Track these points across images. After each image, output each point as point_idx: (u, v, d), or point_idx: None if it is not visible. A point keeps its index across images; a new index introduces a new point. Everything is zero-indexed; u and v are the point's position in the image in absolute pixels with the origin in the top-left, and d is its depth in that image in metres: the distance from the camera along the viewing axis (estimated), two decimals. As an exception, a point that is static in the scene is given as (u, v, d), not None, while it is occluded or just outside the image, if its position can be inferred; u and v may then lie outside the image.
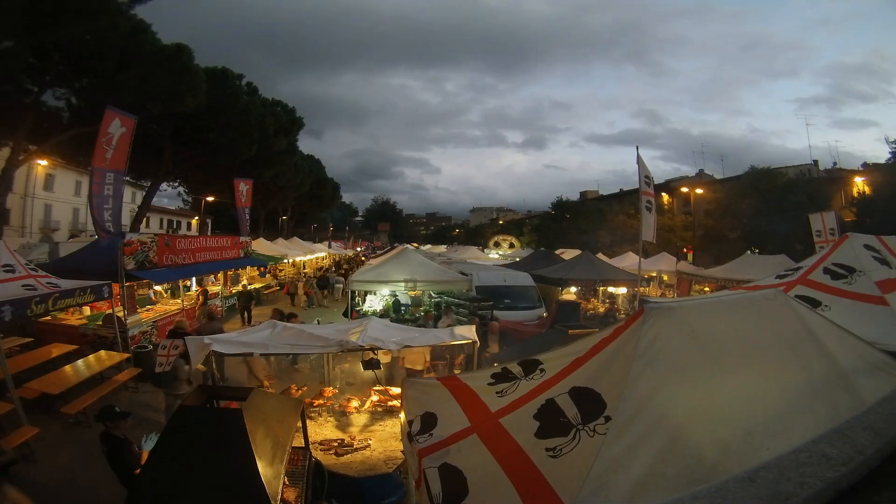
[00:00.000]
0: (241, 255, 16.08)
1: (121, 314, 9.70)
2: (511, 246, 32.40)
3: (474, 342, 6.10)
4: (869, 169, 20.30)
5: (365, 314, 11.65)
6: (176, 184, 28.94)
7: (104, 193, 10.12)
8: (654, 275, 18.28)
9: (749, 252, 21.77)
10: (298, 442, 4.13)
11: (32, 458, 5.66)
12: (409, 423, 2.53)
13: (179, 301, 13.03)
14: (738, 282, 11.28)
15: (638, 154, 9.47)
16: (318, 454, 5.00)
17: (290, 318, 8.42)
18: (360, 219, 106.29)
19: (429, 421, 2.41)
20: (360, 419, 6.18)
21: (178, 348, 6.44)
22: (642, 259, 14.47)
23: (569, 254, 20.49)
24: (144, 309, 11.93)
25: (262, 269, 20.78)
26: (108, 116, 10.10)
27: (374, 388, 6.74)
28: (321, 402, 6.46)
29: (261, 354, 6.56)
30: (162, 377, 7.19)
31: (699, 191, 25.78)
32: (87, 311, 10.61)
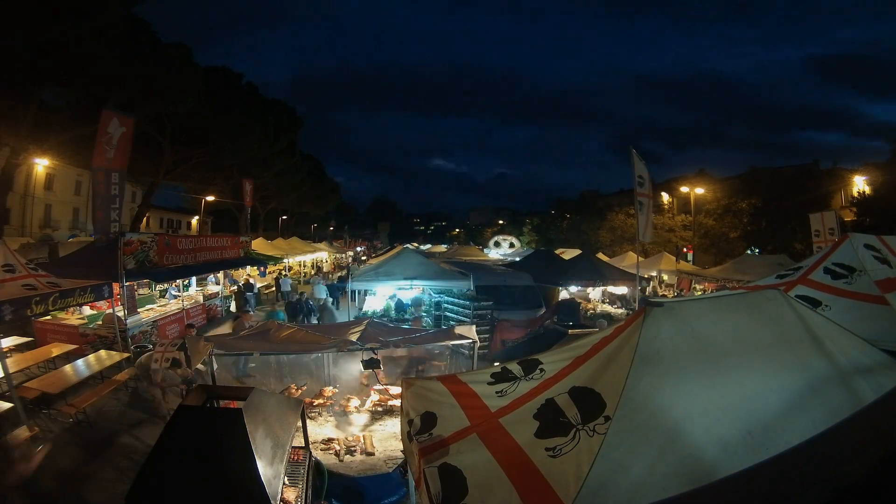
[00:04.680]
0: (241, 254, 16.09)
1: (121, 314, 9.70)
2: (511, 246, 32.38)
3: (474, 342, 6.10)
4: (869, 168, 20.27)
5: (365, 315, 11.66)
6: (176, 183, 28.94)
7: (111, 193, 10.12)
8: (653, 274, 18.27)
9: (749, 252, 21.78)
10: (298, 442, 4.13)
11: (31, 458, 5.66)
12: (409, 422, 2.53)
13: (179, 301, 13.04)
14: (739, 282, 11.29)
15: (632, 152, 9.46)
16: (318, 454, 5.00)
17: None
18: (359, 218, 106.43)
19: (428, 420, 2.41)
20: (360, 419, 6.18)
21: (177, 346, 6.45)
22: (643, 259, 14.49)
23: (569, 254, 20.47)
24: (144, 308, 11.93)
25: (261, 268, 20.80)
26: (106, 117, 10.15)
27: (374, 387, 6.75)
28: (321, 401, 6.47)
29: (261, 354, 6.56)
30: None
31: (699, 190, 25.74)
32: (87, 310, 10.61)
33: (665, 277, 18.62)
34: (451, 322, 11.00)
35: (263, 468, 2.75)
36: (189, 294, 14.52)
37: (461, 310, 11.35)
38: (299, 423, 3.88)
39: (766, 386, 1.76)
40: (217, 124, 21.29)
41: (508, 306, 12.26)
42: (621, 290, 15.53)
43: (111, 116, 10.25)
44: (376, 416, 6.25)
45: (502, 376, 2.47)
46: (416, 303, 12.70)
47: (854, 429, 1.08)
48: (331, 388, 6.99)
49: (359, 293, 13.46)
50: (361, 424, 6.07)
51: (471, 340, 6.05)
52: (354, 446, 5.45)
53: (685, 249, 26.13)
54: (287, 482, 3.46)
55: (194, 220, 42.66)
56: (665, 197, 32.04)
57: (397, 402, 5.88)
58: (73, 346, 8.98)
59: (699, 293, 14.84)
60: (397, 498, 4.47)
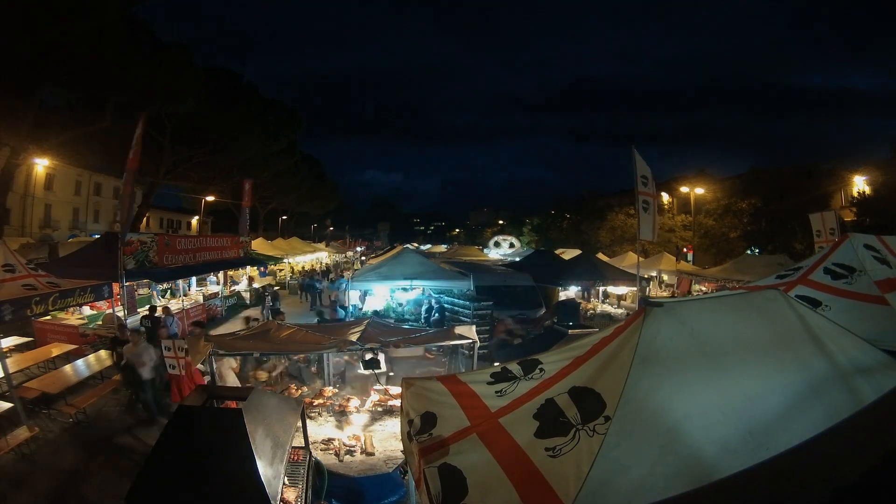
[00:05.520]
0: (241, 255, 16.11)
1: (121, 314, 9.70)
2: (511, 246, 32.35)
3: (474, 342, 6.10)
4: (869, 168, 20.26)
5: (365, 314, 11.65)
6: (176, 183, 28.95)
7: (130, 192, 10.03)
8: (653, 275, 18.27)
9: (749, 252, 21.77)
10: (298, 442, 4.13)
11: (32, 458, 5.66)
12: (409, 422, 2.53)
13: (179, 301, 13.05)
14: (739, 282, 11.28)
15: (633, 151, 9.42)
16: (318, 454, 5.00)
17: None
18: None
19: (428, 420, 2.40)
20: (360, 419, 6.18)
21: (184, 349, 6.44)
22: (643, 259, 14.48)
23: (569, 254, 20.47)
24: (144, 308, 11.93)
25: (261, 268, 20.82)
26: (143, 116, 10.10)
27: (374, 387, 6.75)
28: (321, 401, 6.46)
29: (260, 354, 6.56)
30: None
31: (699, 190, 25.72)
32: (87, 310, 10.61)
33: (665, 277, 18.62)
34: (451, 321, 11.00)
35: (263, 468, 2.75)
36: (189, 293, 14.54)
37: (461, 310, 11.34)
38: (299, 423, 3.88)
39: (767, 386, 1.75)
40: (217, 124, 21.29)
41: (508, 306, 12.25)
42: (621, 290, 15.54)
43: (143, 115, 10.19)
44: (376, 416, 6.25)
45: (502, 376, 2.47)
46: (417, 303, 12.69)
47: (854, 429, 1.08)
48: (331, 388, 6.99)
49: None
50: (361, 424, 6.06)
51: (471, 340, 6.05)
52: (354, 446, 5.45)
53: (685, 249, 26.12)
54: (287, 482, 3.46)
55: (194, 220, 42.69)
56: (665, 197, 32.02)
57: (397, 402, 5.88)
58: (73, 346, 8.98)
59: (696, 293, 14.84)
60: (397, 498, 4.47)
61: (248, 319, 9.52)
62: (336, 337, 5.73)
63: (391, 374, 7.43)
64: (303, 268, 26.48)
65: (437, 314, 10.96)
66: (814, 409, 1.67)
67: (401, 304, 12.84)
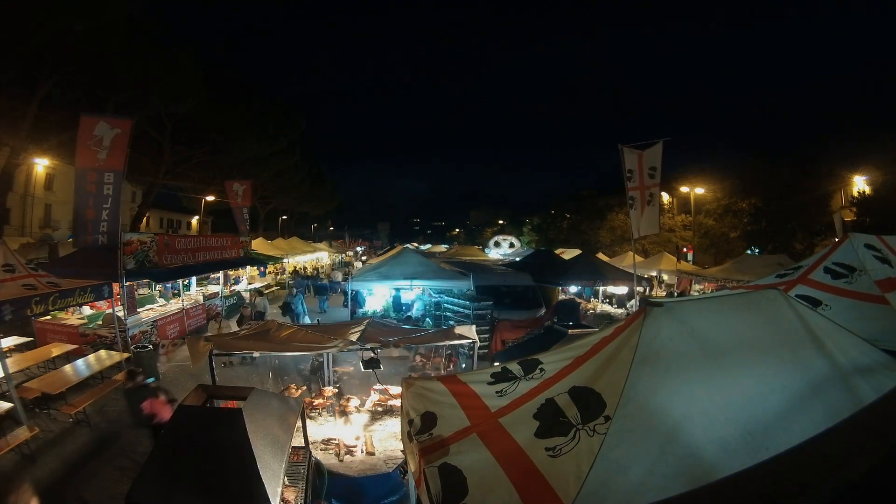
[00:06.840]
0: (241, 254, 16.11)
1: (121, 314, 9.70)
2: (511, 246, 32.37)
3: (474, 342, 6.10)
4: (869, 168, 20.24)
5: (365, 314, 11.66)
6: (176, 183, 28.90)
7: (103, 193, 10.11)
8: (653, 274, 18.28)
9: (749, 252, 21.78)
10: (298, 442, 4.13)
11: (32, 459, 5.66)
12: (409, 422, 2.53)
13: (179, 301, 13.03)
14: (738, 282, 11.28)
15: (620, 148, 9.46)
16: (318, 454, 5.01)
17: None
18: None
19: (429, 420, 2.40)
20: (360, 419, 6.19)
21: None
22: (642, 259, 14.48)
23: (569, 253, 20.47)
24: (144, 308, 11.93)
25: (261, 268, 20.85)
26: (87, 123, 9.71)
27: (374, 387, 6.75)
28: (321, 402, 6.47)
29: (260, 354, 6.55)
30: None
31: (699, 190, 25.72)
32: (87, 310, 10.61)
33: (665, 277, 18.62)
34: (451, 322, 11.00)
35: (263, 468, 2.75)
36: (189, 294, 14.54)
37: (461, 310, 11.34)
38: (299, 423, 3.88)
39: (767, 386, 1.76)
40: (217, 124, 21.28)
41: (508, 306, 12.26)
42: (621, 289, 15.54)
43: (93, 122, 9.86)
44: (376, 416, 6.25)
45: (502, 376, 2.47)
46: (408, 304, 12.69)
47: (854, 429, 1.08)
48: (331, 388, 6.99)
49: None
50: (361, 424, 6.07)
51: (471, 340, 6.05)
52: (354, 446, 5.45)
53: (685, 249, 26.13)
54: (287, 482, 3.46)
55: (194, 220, 42.65)
56: (665, 197, 32.01)
57: (397, 402, 5.89)
58: (73, 346, 8.98)
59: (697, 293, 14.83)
60: (397, 498, 4.47)
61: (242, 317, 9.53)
62: (336, 337, 5.73)
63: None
64: (296, 268, 26.44)
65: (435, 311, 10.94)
66: (814, 409, 1.67)
67: (404, 305, 12.82)
